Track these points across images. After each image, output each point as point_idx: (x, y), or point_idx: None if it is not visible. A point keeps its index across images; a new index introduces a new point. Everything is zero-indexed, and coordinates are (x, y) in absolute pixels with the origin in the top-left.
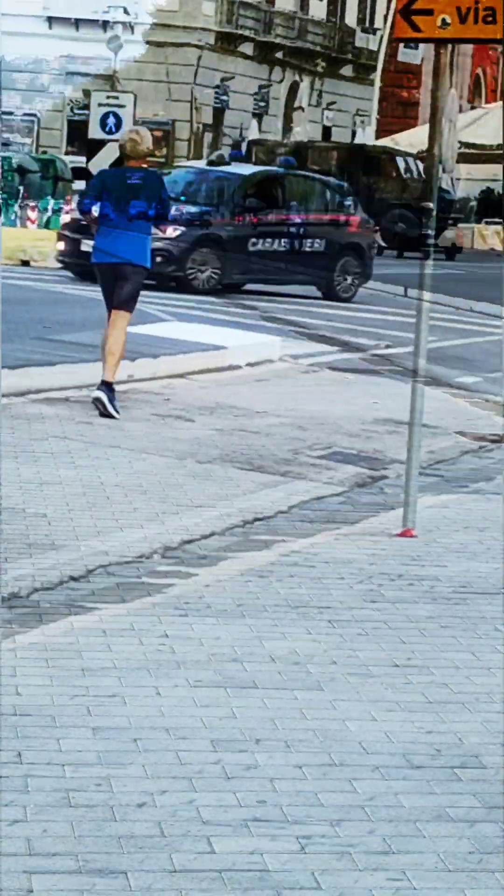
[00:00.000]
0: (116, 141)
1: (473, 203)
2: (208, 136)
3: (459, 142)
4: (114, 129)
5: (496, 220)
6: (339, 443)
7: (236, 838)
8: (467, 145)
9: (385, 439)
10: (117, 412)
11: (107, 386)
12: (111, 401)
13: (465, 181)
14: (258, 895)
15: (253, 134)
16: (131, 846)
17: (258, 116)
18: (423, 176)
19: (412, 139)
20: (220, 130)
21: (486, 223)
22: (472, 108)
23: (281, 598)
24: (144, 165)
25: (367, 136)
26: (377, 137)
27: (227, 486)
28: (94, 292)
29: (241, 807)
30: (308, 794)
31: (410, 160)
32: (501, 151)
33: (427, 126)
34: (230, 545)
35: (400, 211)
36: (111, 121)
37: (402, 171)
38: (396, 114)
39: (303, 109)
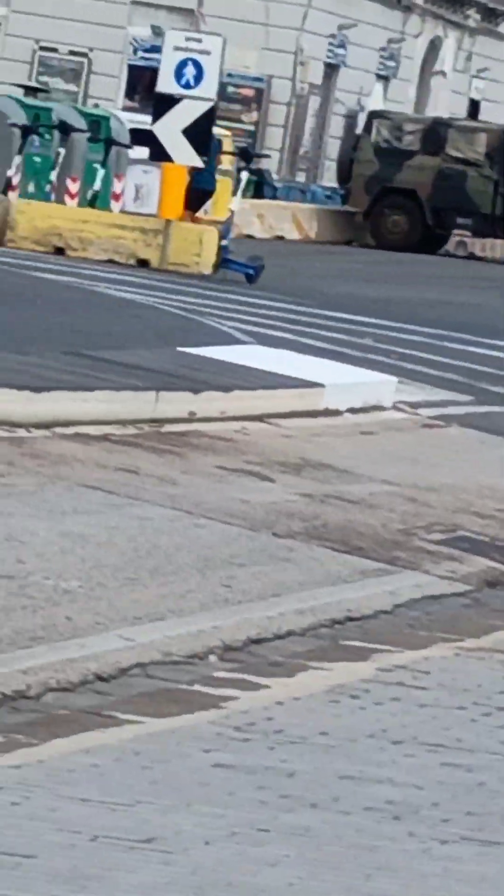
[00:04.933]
0: (196, 98)
1: None
2: (315, 101)
3: None
4: (192, 83)
5: None
6: (467, 525)
7: None
8: None
9: None
10: None
11: None
12: None
13: None
14: None
15: (375, 102)
16: None
17: (384, 80)
18: None
19: None
20: (332, 94)
21: None
22: None
23: (378, 728)
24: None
25: None
26: None
27: (313, 571)
28: (154, 297)
29: None
30: None
31: None
32: None
33: None
34: (313, 651)
35: None
36: (189, 71)
37: None
38: None
39: (444, 75)
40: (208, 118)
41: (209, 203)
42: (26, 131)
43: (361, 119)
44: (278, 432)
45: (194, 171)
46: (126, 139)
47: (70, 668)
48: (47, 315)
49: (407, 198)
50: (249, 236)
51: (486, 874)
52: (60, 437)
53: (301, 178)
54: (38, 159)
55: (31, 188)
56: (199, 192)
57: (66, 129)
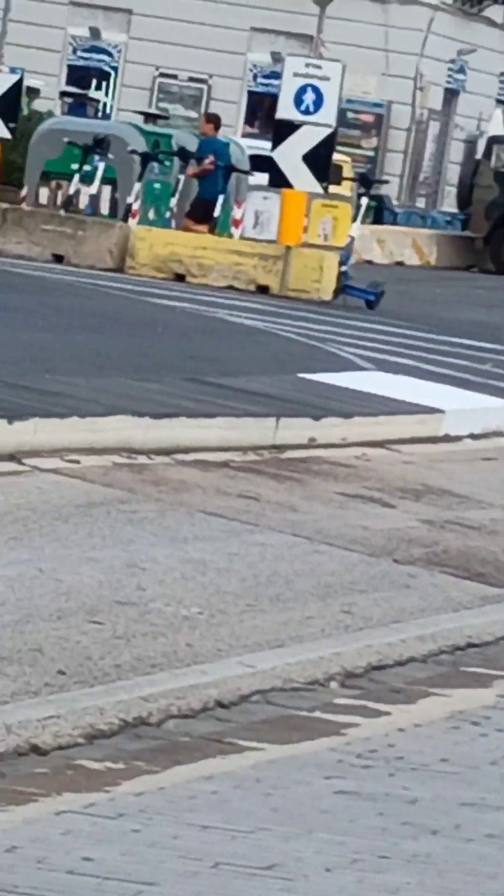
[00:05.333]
0: (315, 124)
1: None
2: (434, 126)
3: None
4: (312, 109)
5: None
6: None
7: None
8: None
9: None
10: None
11: None
12: None
13: None
14: None
15: (496, 128)
16: None
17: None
18: None
19: None
20: (452, 119)
21: None
22: None
23: (499, 755)
24: None
25: None
26: None
27: (434, 597)
28: (274, 323)
29: None
30: None
31: None
32: None
33: None
34: (434, 678)
35: None
36: (309, 97)
37: None
38: None
39: None
40: (328, 144)
41: (334, 227)
42: (146, 158)
43: (481, 144)
44: (399, 458)
45: (202, 180)
46: (246, 165)
47: (191, 695)
48: (168, 342)
49: None
50: (369, 262)
51: None
52: (181, 463)
53: (421, 203)
54: (157, 186)
55: (150, 215)
56: (203, 202)
57: (185, 155)
